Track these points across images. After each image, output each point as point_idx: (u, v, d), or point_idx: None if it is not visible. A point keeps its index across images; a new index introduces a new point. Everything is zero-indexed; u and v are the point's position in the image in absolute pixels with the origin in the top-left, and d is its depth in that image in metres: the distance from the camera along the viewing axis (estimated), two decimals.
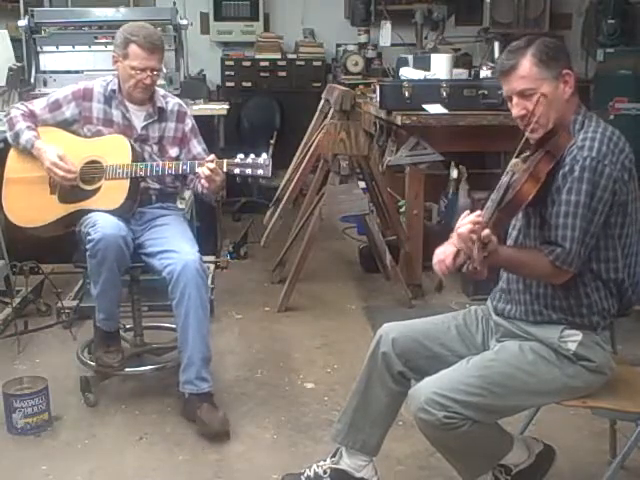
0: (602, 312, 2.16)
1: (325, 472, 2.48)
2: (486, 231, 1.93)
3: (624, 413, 2.25)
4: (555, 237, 2.07)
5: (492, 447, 2.27)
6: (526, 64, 2.12)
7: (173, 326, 3.12)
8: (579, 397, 2.20)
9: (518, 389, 2.15)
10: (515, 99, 2.15)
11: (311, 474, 2.50)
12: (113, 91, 3.15)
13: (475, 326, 2.36)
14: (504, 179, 2.11)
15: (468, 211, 2.03)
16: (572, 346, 2.15)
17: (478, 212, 2.00)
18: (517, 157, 2.12)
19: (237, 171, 2.98)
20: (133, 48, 3.03)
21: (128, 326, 3.43)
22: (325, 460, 2.52)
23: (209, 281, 3.64)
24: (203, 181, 3.01)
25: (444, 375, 2.18)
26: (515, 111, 2.16)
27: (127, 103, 3.16)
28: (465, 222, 1.96)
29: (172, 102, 3.24)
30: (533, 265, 2.10)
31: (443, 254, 2.12)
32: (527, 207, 2.07)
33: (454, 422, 2.08)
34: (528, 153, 2.11)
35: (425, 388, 2.14)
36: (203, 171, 2.97)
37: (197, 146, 3.26)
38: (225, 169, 2.98)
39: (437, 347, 2.32)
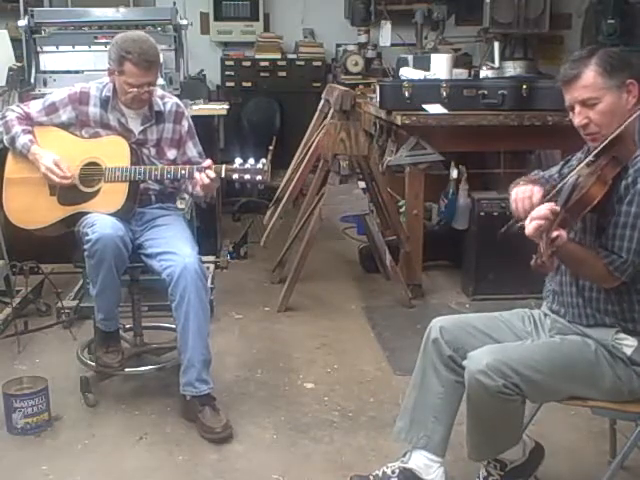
0: None
1: (393, 472, 2.46)
2: (555, 233, 1.98)
3: (624, 413, 2.25)
4: (612, 246, 2.12)
5: (511, 433, 2.30)
6: (589, 74, 2.13)
7: (173, 326, 3.11)
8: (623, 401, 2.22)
9: (577, 377, 2.18)
10: (577, 108, 2.16)
11: (379, 474, 2.49)
12: (107, 96, 3.13)
13: (522, 323, 2.39)
14: (569, 181, 2.15)
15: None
16: (628, 351, 2.18)
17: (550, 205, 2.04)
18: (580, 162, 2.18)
19: (235, 176, 2.97)
20: (128, 66, 2.98)
21: (128, 326, 3.43)
22: (395, 462, 2.49)
23: (209, 281, 3.64)
24: (198, 188, 3.02)
25: (509, 347, 2.22)
26: (577, 120, 2.17)
27: (122, 108, 3.13)
28: (538, 212, 2.02)
29: (170, 102, 3.22)
30: (591, 264, 2.14)
31: (530, 191, 2.19)
32: (591, 211, 2.11)
33: (509, 394, 2.11)
34: (592, 159, 2.14)
35: (489, 353, 2.16)
36: (202, 178, 2.97)
37: (192, 149, 3.24)
38: (223, 175, 2.98)
39: (484, 337, 2.33)
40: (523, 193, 2.21)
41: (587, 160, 2.16)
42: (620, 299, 2.18)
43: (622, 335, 2.19)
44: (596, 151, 2.13)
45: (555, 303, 2.34)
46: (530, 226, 2.03)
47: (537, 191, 2.19)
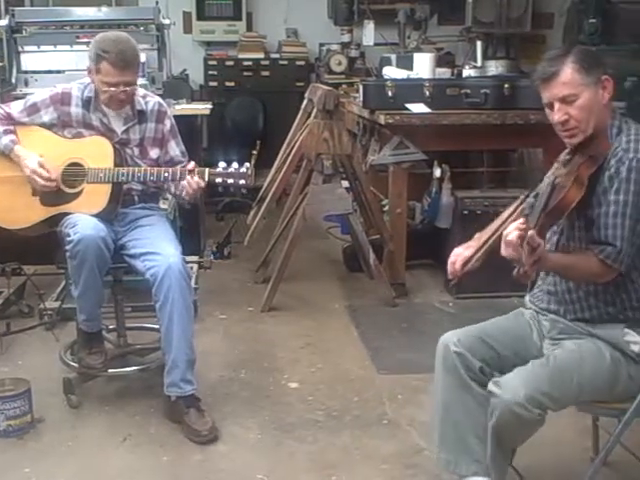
0: None
1: None
2: (532, 233, 1.97)
3: (607, 409, 2.26)
4: (605, 237, 2.13)
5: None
6: (567, 71, 2.17)
7: (156, 327, 3.10)
8: None
9: (599, 387, 2.19)
10: (557, 105, 2.19)
11: None
12: (89, 97, 3.11)
13: (529, 327, 2.36)
14: (545, 182, 2.16)
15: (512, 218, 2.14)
16: (635, 348, 2.19)
17: (521, 220, 2.04)
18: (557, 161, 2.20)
19: (219, 180, 2.96)
20: (104, 65, 2.97)
21: (111, 327, 3.41)
22: None
23: (193, 281, 3.63)
24: (184, 193, 3.00)
25: (538, 372, 2.15)
26: (557, 117, 2.19)
27: (104, 108, 3.12)
28: (512, 229, 2.02)
29: (152, 102, 3.21)
30: (582, 266, 2.16)
31: (456, 257, 2.24)
32: (571, 211, 2.12)
33: (541, 419, 2.11)
34: (568, 157, 2.18)
35: (523, 382, 2.10)
36: (184, 186, 2.95)
37: (175, 148, 3.22)
38: (207, 178, 2.96)
39: (498, 345, 2.30)
40: (451, 257, 2.30)
41: (562, 159, 2.19)
42: (617, 290, 2.20)
43: (627, 330, 2.20)
44: (569, 149, 2.16)
45: (552, 303, 2.32)
46: (505, 245, 2.03)
47: (461, 258, 2.25)
